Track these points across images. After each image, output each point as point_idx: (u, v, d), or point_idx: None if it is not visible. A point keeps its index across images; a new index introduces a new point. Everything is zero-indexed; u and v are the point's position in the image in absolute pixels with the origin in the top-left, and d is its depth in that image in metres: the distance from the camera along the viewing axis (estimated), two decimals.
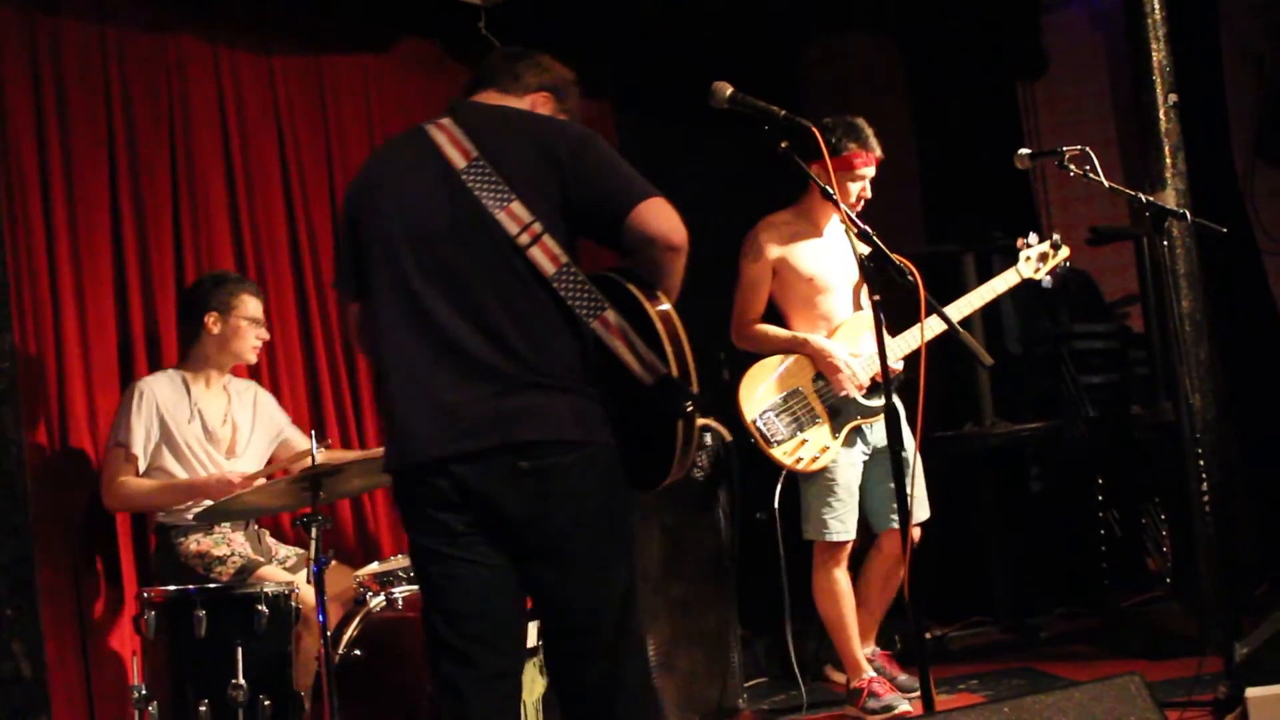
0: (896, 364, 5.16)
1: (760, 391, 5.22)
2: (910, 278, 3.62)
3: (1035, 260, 5.35)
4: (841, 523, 5.24)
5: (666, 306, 3.16)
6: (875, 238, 3.55)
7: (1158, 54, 5.88)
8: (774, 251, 5.31)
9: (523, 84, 3.45)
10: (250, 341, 5.17)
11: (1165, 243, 5.61)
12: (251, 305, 5.17)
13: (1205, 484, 5.24)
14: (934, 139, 7.62)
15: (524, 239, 3.10)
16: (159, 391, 5.03)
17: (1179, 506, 6.52)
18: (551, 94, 3.47)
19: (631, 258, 3.18)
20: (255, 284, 5.33)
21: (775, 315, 5.41)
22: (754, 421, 5.17)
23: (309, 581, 4.35)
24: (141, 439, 4.94)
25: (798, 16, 7.55)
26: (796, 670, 5.34)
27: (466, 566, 3.16)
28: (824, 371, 5.21)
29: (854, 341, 5.26)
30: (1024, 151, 5.03)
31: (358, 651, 4.35)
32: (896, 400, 5.32)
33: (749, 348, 5.36)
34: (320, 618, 4.17)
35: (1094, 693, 3.15)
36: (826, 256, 5.29)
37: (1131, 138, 6.41)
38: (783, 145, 3.60)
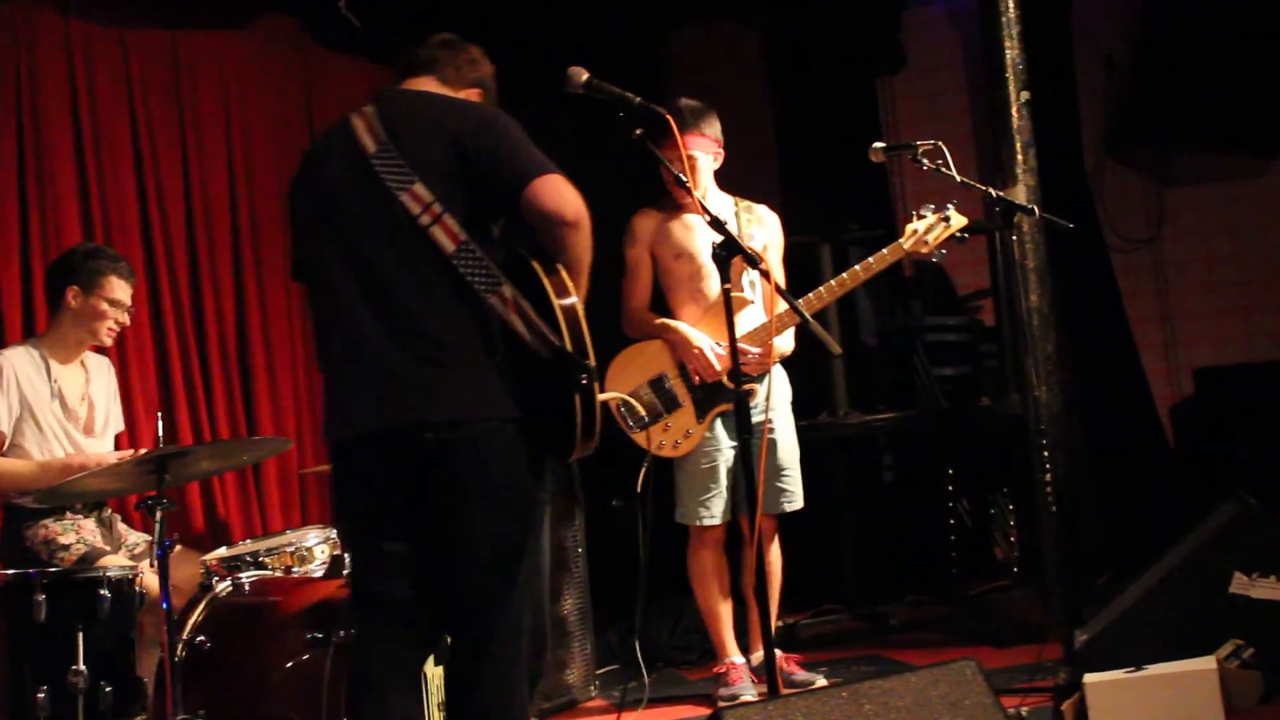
0: (788, 344, 5.24)
1: (625, 376, 5.24)
2: (762, 265, 3.65)
3: (921, 235, 5.16)
4: (708, 508, 5.26)
5: (564, 281, 3.27)
6: (725, 226, 3.58)
7: (1011, 52, 5.98)
8: (649, 235, 5.35)
9: (462, 77, 3.59)
10: (108, 324, 5.03)
11: (1015, 237, 5.71)
12: (118, 288, 5.02)
13: (1049, 474, 5.34)
14: (794, 130, 7.68)
15: (425, 219, 3.25)
16: (18, 366, 4.89)
17: (1026, 496, 6.65)
18: (482, 90, 3.62)
19: (537, 234, 3.31)
20: (129, 267, 5.17)
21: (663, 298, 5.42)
22: (617, 407, 5.18)
23: (153, 566, 4.27)
24: (4, 416, 4.83)
25: (662, 3, 7.56)
26: (640, 659, 5.32)
27: (376, 553, 3.35)
28: (683, 359, 5.23)
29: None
30: (878, 145, 5.05)
31: (202, 638, 4.28)
32: (785, 383, 5.40)
33: (633, 335, 5.37)
34: (164, 603, 4.10)
35: (930, 678, 3.21)
36: (702, 236, 5.28)
37: (986, 134, 6.52)
38: (637, 133, 3.61)
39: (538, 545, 3.38)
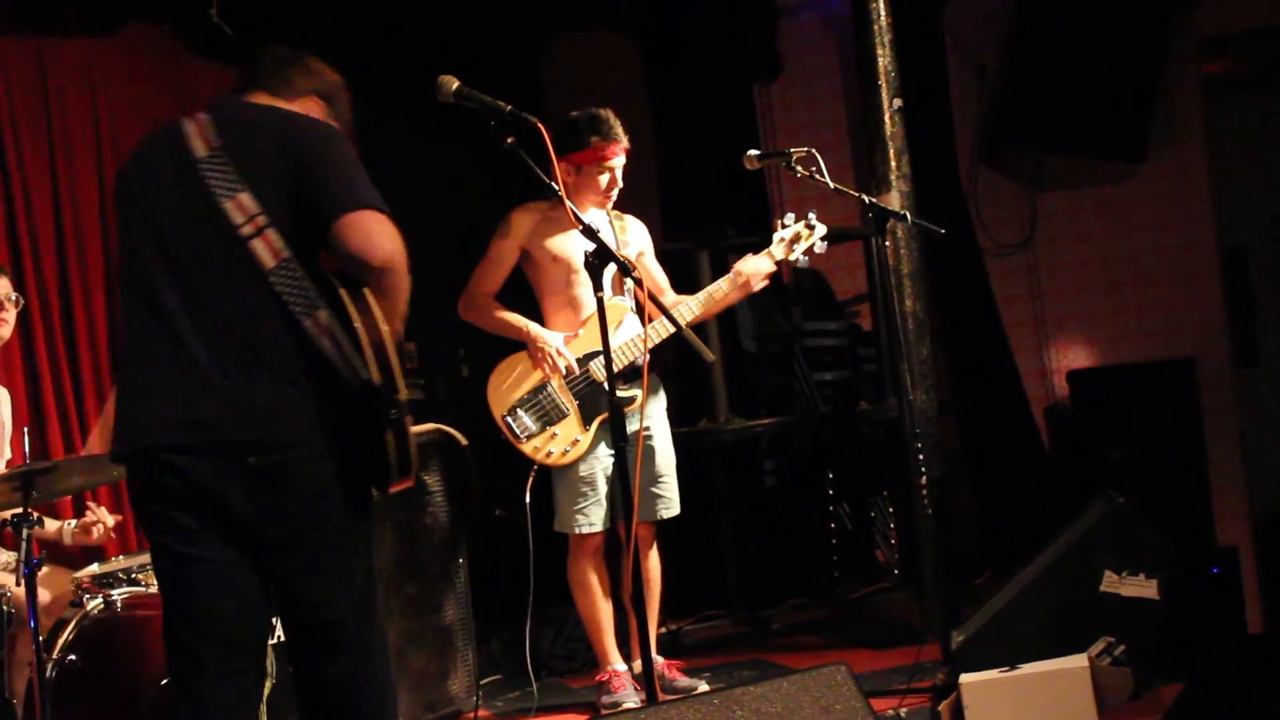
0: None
1: (507, 387, 5.22)
2: (635, 274, 3.66)
3: (788, 242, 5.26)
4: (586, 515, 5.25)
5: (370, 309, 3.11)
6: (598, 234, 3.59)
7: (883, 59, 6.05)
8: (525, 233, 5.28)
9: (293, 88, 3.41)
10: None
11: (889, 243, 5.78)
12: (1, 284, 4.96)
13: (924, 477, 5.41)
14: (672, 138, 7.70)
15: (247, 230, 3.08)
16: None
17: (905, 500, 6.73)
18: (322, 99, 3.45)
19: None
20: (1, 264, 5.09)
21: (533, 303, 5.39)
22: (502, 417, 5.16)
23: (19, 584, 4.19)
24: None
25: (539, 12, 7.56)
26: (530, 668, 5.32)
27: (199, 564, 3.15)
28: (532, 358, 5.21)
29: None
30: (753, 153, 5.11)
31: (73, 656, 4.20)
32: (662, 390, 5.41)
33: (471, 319, 5.33)
34: (32, 622, 4.02)
35: (800, 683, 3.23)
36: (582, 242, 5.26)
37: (861, 141, 6.59)
38: (509, 140, 3.61)
39: (373, 566, 3.30)
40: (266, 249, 3.07)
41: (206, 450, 3.07)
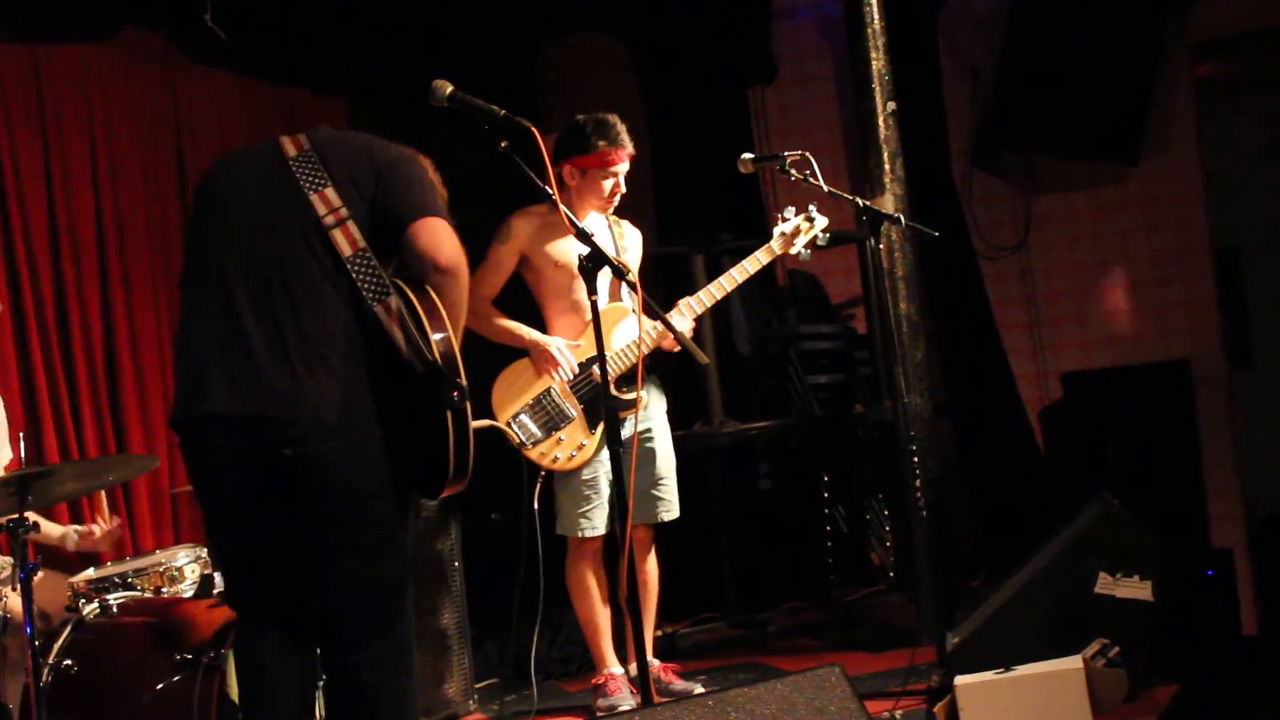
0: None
1: (512, 393, 5.20)
2: (630, 277, 3.67)
3: (788, 236, 5.24)
4: (590, 519, 5.25)
5: (436, 308, 3.33)
6: (593, 238, 3.59)
7: (877, 63, 6.05)
8: (525, 238, 5.27)
9: None
10: None
11: (883, 246, 5.78)
12: None
13: (919, 479, 5.41)
14: (667, 141, 7.69)
15: (329, 220, 3.33)
16: None
17: (900, 502, 6.73)
18: None
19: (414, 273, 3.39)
20: None
21: (533, 308, 5.39)
22: (508, 424, 5.14)
23: (14, 589, 4.19)
24: None
25: (533, 16, 7.56)
26: (532, 671, 5.31)
27: (243, 536, 3.38)
28: (537, 364, 5.20)
29: (606, 332, 5.17)
30: (747, 156, 5.10)
31: (69, 661, 4.19)
32: (661, 393, 5.41)
33: (469, 324, 5.29)
34: (27, 627, 4.02)
35: (795, 685, 3.23)
36: (581, 246, 5.24)
37: (856, 144, 6.59)
38: (503, 145, 3.62)
39: (407, 565, 3.41)
40: (346, 239, 3.31)
41: (244, 439, 3.27)
